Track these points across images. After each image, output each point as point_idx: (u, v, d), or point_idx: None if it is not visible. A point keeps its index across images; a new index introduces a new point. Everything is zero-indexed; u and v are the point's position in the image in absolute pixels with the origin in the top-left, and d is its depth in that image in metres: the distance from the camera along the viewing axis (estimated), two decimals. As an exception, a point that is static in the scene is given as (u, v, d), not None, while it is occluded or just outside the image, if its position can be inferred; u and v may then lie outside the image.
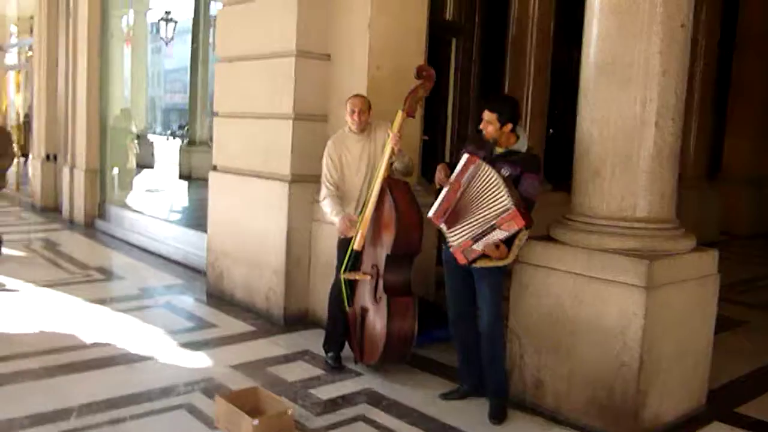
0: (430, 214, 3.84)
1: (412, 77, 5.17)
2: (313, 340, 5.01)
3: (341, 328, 4.59)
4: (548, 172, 6.32)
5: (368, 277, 4.32)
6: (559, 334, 3.84)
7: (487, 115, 3.75)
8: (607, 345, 3.63)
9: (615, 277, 3.59)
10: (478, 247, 3.61)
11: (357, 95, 4.51)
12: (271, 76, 5.46)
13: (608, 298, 3.62)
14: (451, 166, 3.82)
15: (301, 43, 5.25)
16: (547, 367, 3.91)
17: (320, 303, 5.34)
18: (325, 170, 4.50)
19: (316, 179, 5.25)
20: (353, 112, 4.40)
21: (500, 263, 3.68)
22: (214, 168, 6.21)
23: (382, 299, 4.21)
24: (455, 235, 3.70)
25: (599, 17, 3.83)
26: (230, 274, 5.97)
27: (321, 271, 5.37)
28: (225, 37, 6.06)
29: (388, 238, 4.19)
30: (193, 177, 14.62)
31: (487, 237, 3.58)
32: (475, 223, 3.61)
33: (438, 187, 3.85)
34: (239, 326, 5.33)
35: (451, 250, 3.74)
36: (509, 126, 3.74)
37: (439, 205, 3.80)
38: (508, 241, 3.62)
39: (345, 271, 4.38)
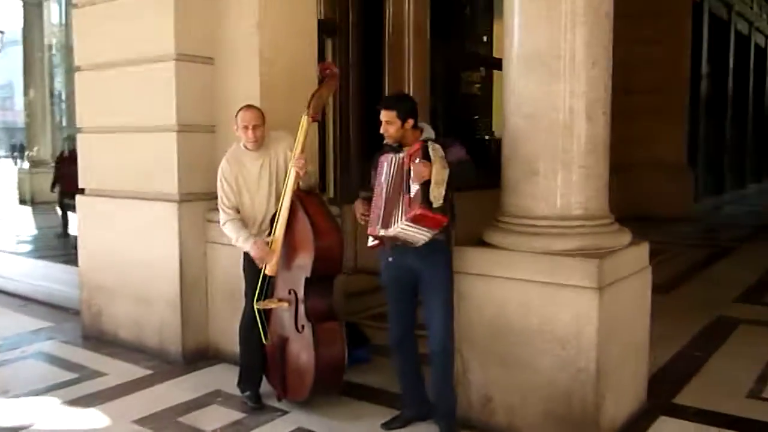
0: (370, 241, 3.50)
1: (305, 79, 4.83)
2: (223, 377, 4.48)
3: (257, 363, 4.09)
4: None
5: (286, 305, 3.86)
6: (507, 346, 3.58)
7: (385, 114, 3.45)
8: (561, 352, 3.42)
9: (565, 280, 3.39)
10: (413, 189, 3.25)
11: (249, 107, 3.98)
12: (148, 84, 4.83)
13: (559, 303, 3.41)
14: (367, 198, 3.58)
15: (181, 45, 4.67)
16: (495, 382, 3.65)
17: (223, 333, 4.81)
18: (221, 194, 3.99)
19: (207, 197, 4.76)
20: (246, 128, 3.89)
21: (438, 174, 3.19)
22: (82, 191, 5.46)
23: (305, 327, 3.77)
24: (395, 222, 3.34)
25: (520, 7, 3.63)
26: (111, 311, 5.25)
27: (221, 297, 4.83)
28: (85, 42, 5.33)
29: (305, 260, 3.76)
30: (36, 201, 13.23)
31: (411, 179, 3.26)
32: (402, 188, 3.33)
33: (363, 222, 3.55)
34: (132, 370, 4.66)
35: (403, 222, 3.28)
36: (410, 122, 3.46)
37: (370, 217, 3.46)
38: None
39: (258, 299, 3.90)
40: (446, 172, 3.22)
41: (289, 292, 3.84)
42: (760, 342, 5.18)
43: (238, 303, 4.63)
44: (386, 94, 7.37)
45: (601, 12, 3.56)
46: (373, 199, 3.48)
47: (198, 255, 4.83)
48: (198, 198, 4.82)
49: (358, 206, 3.58)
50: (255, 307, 3.90)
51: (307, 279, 3.74)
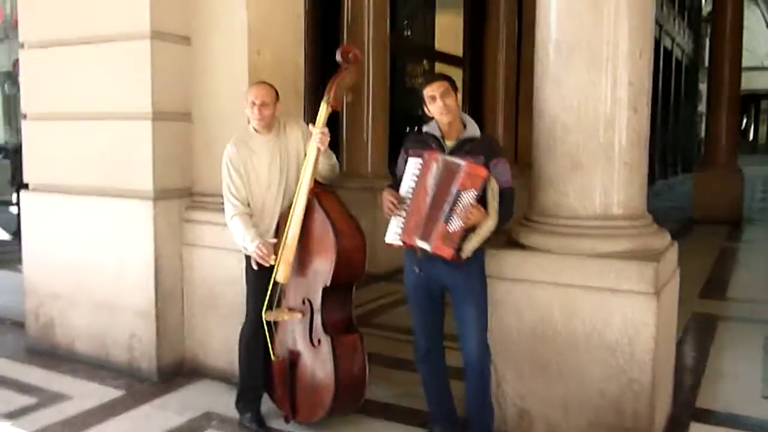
0: (392, 237, 3.15)
1: (294, 65, 4.43)
2: (210, 397, 4.02)
3: (259, 381, 3.65)
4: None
5: (299, 315, 3.44)
6: (549, 354, 3.33)
7: (440, 86, 3.10)
8: (611, 360, 3.20)
9: (617, 284, 3.16)
10: (455, 224, 2.96)
11: (260, 83, 3.55)
12: (115, 65, 4.24)
13: (610, 308, 3.18)
14: (394, 186, 3.23)
15: (156, 21, 4.11)
16: (533, 394, 3.38)
17: (202, 346, 4.34)
18: (228, 182, 3.52)
19: (183, 193, 4.27)
20: (254, 104, 3.45)
21: (484, 230, 3.01)
22: (26, 187, 4.78)
23: (322, 341, 3.37)
24: (431, 239, 3.02)
25: (560, -8, 3.36)
26: (66, 323, 4.63)
27: (200, 305, 4.33)
28: (33, 14, 4.62)
29: (324, 265, 3.35)
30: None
31: (457, 209, 2.95)
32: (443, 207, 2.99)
33: (387, 216, 3.19)
34: (100, 392, 4.08)
35: (431, 250, 3.02)
36: (459, 99, 3.17)
37: (407, 221, 3.11)
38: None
39: (267, 310, 3.46)
40: (493, 227, 3.02)
41: (303, 302, 3.42)
42: (744, 339, 5.18)
43: (221, 311, 4.22)
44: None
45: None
46: (413, 201, 3.11)
47: (174, 259, 4.30)
48: (174, 195, 4.30)
49: (388, 196, 3.17)
50: (264, 318, 3.45)
51: (325, 287, 3.33)
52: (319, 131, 3.34)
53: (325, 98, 3.41)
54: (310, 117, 4.28)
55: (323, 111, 3.39)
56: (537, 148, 3.50)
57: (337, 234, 3.30)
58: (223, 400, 3.94)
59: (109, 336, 4.43)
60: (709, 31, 18.25)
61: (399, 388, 4.04)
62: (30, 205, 4.74)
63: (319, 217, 3.35)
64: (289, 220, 3.36)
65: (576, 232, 3.30)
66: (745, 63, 12.25)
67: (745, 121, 36.23)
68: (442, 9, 10.63)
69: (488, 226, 3.02)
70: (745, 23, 12.21)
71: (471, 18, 10.69)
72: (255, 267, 3.44)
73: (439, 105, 3.10)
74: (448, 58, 10.54)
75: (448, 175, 2.99)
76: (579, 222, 3.32)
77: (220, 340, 4.25)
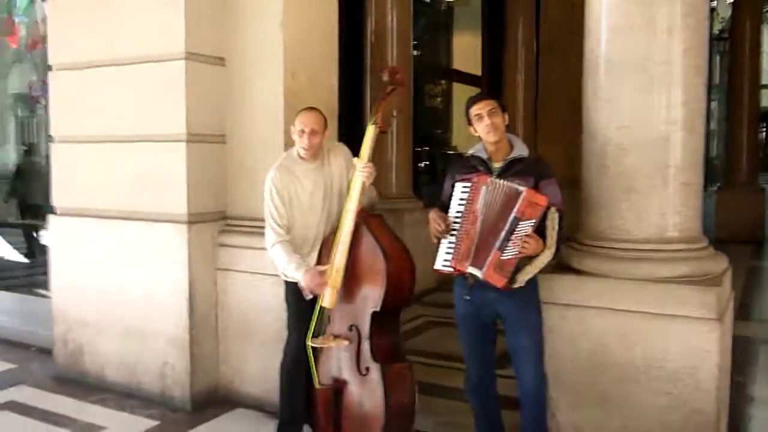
0: (442, 264, 3.03)
1: (327, 87, 4.36)
2: (246, 426, 3.92)
3: (302, 411, 3.53)
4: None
5: (346, 342, 3.32)
6: (605, 384, 3.20)
7: (487, 104, 3.03)
8: (672, 390, 3.07)
9: (677, 310, 3.04)
10: (510, 253, 2.85)
11: (310, 109, 3.45)
12: (148, 87, 4.18)
13: (669, 336, 3.06)
14: (442, 207, 3.11)
15: (191, 42, 4.05)
16: (589, 424, 3.25)
17: (237, 374, 4.23)
18: (271, 208, 3.42)
19: (216, 217, 4.18)
20: (303, 132, 3.36)
21: (541, 260, 2.91)
22: (54, 212, 4.70)
23: (371, 369, 3.24)
24: (485, 265, 2.91)
25: (611, 8, 3.28)
26: (95, 350, 4.52)
27: (234, 332, 4.22)
28: (65, 36, 4.57)
29: (373, 290, 3.23)
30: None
31: (514, 237, 2.83)
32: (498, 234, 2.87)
33: (434, 239, 3.08)
34: (133, 422, 3.98)
35: (483, 278, 2.92)
36: (507, 119, 3.08)
37: (456, 246, 3.00)
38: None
39: (312, 336, 3.35)
40: (550, 258, 2.92)
41: (350, 328, 3.30)
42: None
43: (257, 338, 4.11)
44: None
45: (700, 16, 3.25)
46: (463, 225, 3.00)
47: (208, 284, 4.20)
48: (207, 219, 4.21)
49: (435, 218, 3.06)
50: (309, 345, 3.34)
51: (375, 313, 3.22)
52: (364, 165, 3.24)
53: (372, 120, 3.32)
54: (343, 138, 4.24)
55: (370, 132, 3.30)
56: (588, 169, 3.39)
57: (387, 258, 3.19)
58: (260, 430, 3.82)
59: (140, 363, 4.33)
60: (719, 49, 18.26)
61: (439, 417, 3.91)
62: (58, 230, 4.66)
63: (368, 240, 3.25)
64: (336, 244, 3.25)
65: (632, 256, 3.18)
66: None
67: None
68: (459, 29, 10.61)
69: (545, 257, 2.92)
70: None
71: (489, 38, 10.64)
72: (308, 296, 3.32)
73: (486, 123, 3.01)
74: (467, 78, 10.49)
75: (506, 201, 2.87)
76: (635, 246, 3.20)
77: (255, 367, 4.14)
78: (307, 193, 3.41)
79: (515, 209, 2.82)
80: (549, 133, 10.46)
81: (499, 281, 2.88)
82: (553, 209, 2.89)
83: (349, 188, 3.34)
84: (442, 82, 10.38)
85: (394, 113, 3.46)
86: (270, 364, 4.05)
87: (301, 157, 3.44)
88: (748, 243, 10.69)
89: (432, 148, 10.05)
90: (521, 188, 2.84)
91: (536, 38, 10.64)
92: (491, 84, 10.69)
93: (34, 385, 4.55)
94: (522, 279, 2.92)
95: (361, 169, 3.24)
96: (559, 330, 3.27)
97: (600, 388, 3.21)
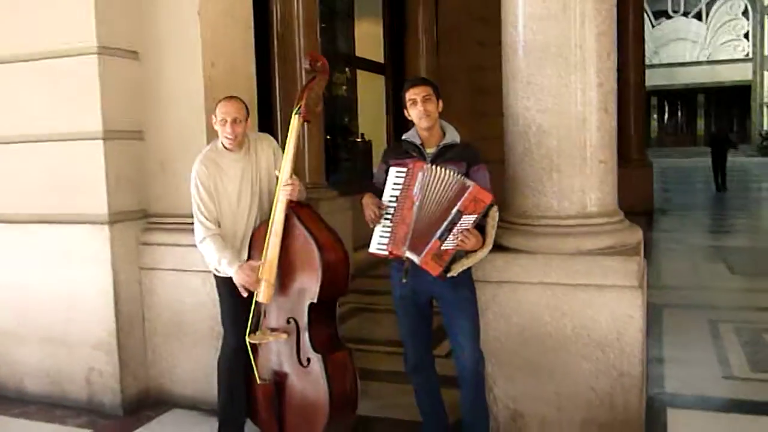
0: (377, 247, 3.08)
1: (245, 76, 4.32)
2: (183, 427, 3.87)
3: (242, 407, 3.51)
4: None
5: (285, 336, 3.32)
6: (539, 355, 3.36)
7: (422, 90, 3.10)
8: (601, 356, 3.27)
9: (603, 281, 3.23)
10: (449, 244, 2.95)
11: (230, 97, 3.38)
12: (58, 82, 3.98)
13: (597, 305, 3.25)
14: (376, 193, 3.16)
15: (104, 35, 3.89)
16: (525, 395, 3.41)
17: (166, 374, 4.16)
18: (198, 202, 3.35)
19: (137, 215, 4.08)
20: (225, 121, 3.30)
21: (478, 256, 3.03)
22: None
23: (312, 360, 3.26)
24: (423, 252, 2.99)
25: (526, -4, 3.41)
26: (12, 360, 4.30)
27: (163, 331, 4.13)
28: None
29: (309, 282, 3.24)
30: None
31: (455, 229, 2.94)
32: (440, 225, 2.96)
33: (371, 224, 3.13)
34: (65, 432, 3.83)
35: (419, 263, 2.99)
36: (441, 106, 3.17)
37: (393, 231, 3.05)
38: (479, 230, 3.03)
39: (251, 332, 3.33)
40: (486, 254, 3.05)
41: (288, 321, 3.30)
42: (691, 325, 5.41)
43: (188, 337, 4.05)
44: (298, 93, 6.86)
45: (611, 3, 3.44)
46: (398, 211, 3.06)
47: (133, 285, 4.08)
48: (129, 217, 4.09)
49: (370, 203, 3.10)
50: (248, 341, 3.31)
51: (312, 305, 3.23)
52: (289, 184, 3.21)
53: (295, 109, 3.30)
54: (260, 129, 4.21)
55: (294, 122, 3.29)
56: (511, 150, 3.53)
57: (321, 248, 3.20)
58: (199, 429, 3.79)
59: (63, 371, 4.16)
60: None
61: (379, 400, 3.99)
62: (-37, 237, 4.38)
63: (300, 232, 3.25)
64: (267, 238, 3.23)
65: (558, 232, 3.35)
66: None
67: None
68: (360, 16, 10.64)
69: (482, 253, 3.04)
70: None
71: (390, 25, 10.75)
72: (244, 294, 3.28)
73: (420, 109, 3.08)
74: (371, 65, 10.55)
75: (450, 192, 2.94)
76: (560, 221, 3.37)
77: (187, 367, 4.07)
78: (235, 184, 3.36)
79: (460, 203, 2.91)
80: (452, 117, 10.62)
81: (435, 269, 2.96)
82: (495, 207, 2.99)
83: (277, 182, 3.32)
84: (346, 70, 10.38)
85: (319, 103, 3.44)
86: (203, 362, 4.01)
87: (225, 148, 3.38)
88: (641, 215, 11.37)
89: (338, 137, 10.06)
90: (469, 183, 2.93)
91: (435, 24, 10.86)
92: (394, 71, 10.82)
93: (-56, 404, 4.29)
94: (456, 269, 3.01)
95: (283, 188, 3.21)
96: (492, 307, 3.40)
97: (533, 359, 3.37)
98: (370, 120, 10.57)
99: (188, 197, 3.93)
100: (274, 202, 3.27)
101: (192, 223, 3.92)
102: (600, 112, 3.39)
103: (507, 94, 3.55)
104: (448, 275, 3.00)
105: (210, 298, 3.93)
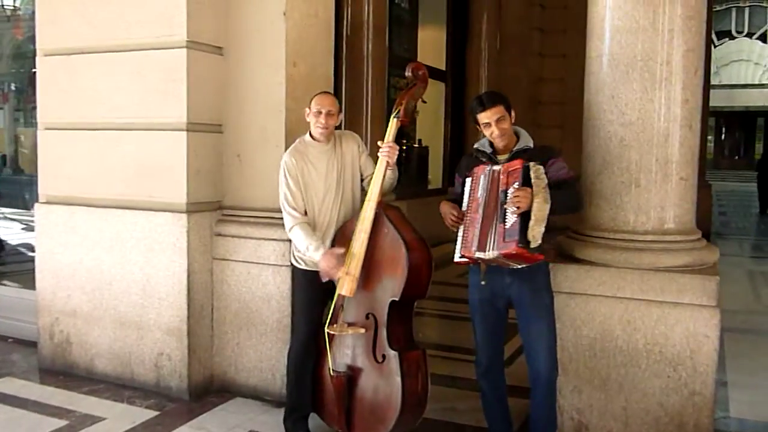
0: (459, 257, 3.10)
1: (323, 76, 4.40)
2: (247, 415, 3.93)
3: (309, 398, 3.58)
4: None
5: (363, 330, 3.38)
6: (607, 368, 3.35)
7: (495, 111, 3.08)
8: (672, 373, 3.24)
9: (678, 298, 3.21)
10: (510, 219, 2.92)
11: (324, 93, 3.55)
12: (146, 74, 4.13)
13: (670, 322, 3.23)
14: (458, 197, 3.22)
15: (192, 30, 4.02)
16: (591, 407, 3.40)
17: (232, 363, 4.26)
18: (285, 192, 3.45)
19: (213, 206, 4.19)
20: (320, 113, 3.42)
21: (537, 209, 2.89)
22: (41, 200, 4.60)
23: (388, 357, 3.30)
24: (490, 247, 2.99)
25: (616, 9, 3.41)
26: (84, 340, 4.45)
27: (230, 321, 4.23)
28: (55, 21, 4.45)
29: (393, 280, 3.28)
30: None
31: (507, 205, 2.93)
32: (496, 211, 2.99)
33: (453, 229, 3.16)
34: (131, 412, 3.94)
35: (499, 252, 2.93)
36: (513, 117, 3.19)
37: (464, 236, 3.08)
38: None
39: (329, 323, 3.40)
40: (548, 207, 2.92)
41: (367, 316, 3.36)
42: (753, 350, 5.32)
43: (254, 329, 4.14)
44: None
45: (697, 20, 3.41)
46: (468, 214, 3.09)
47: (205, 274, 4.19)
48: (205, 208, 4.20)
49: (448, 208, 3.16)
50: (327, 331, 3.38)
51: (393, 302, 3.28)
52: (387, 145, 3.31)
53: (394, 113, 3.41)
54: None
55: (392, 125, 3.39)
56: (590, 162, 3.53)
57: (409, 248, 3.25)
58: (263, 419, 3.86)
59: (133, 354, 4.28)
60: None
61: (437, 403, 3.99)
62: (45, 218, 4.55)
63: (389, 231, 3.31)
64: (356, 233, 3.30)
65: (635, 247, 3.34)
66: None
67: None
68: (424, 23, 10.69)
69: (539, 204, 2.91)
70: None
71: (453, 33, 10.78)
72: (324, 279, 3.36)
73: (495, 132, 3.11)
74: (431, 72, 10.54)
75: (493, 184, 3.02)
76: (636, 236, 3.36)
77: (253, 357, 4.16)
78: (321, 175, 3.46)
79: (500, 184, 2.97)
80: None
81: (512, 246, 2.88)
82: (532, 164, 2.95)
83: (359, 171, 3.49)
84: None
85: (417, 107, 3.53)
86: (268, 353, 4.11)
87: (315, 139, 3.48)
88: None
89: (395, 141, 10.11)
90: (498, 167, 3.01)
91: (498, 34, 10.86)
92: (455, 78, 10.85)
93: (21, 378, 4.45)
94: (534, 235, 2.89)
95: (383, 150, 3.32)
96: (562, 317, 3.40)
97: (602, 372, 3.36)
98: (429, 126, 10.60)
99: (263, 191, 4.09)
100: (366, 201, 3.35)
101: (264, 218, 4.08)
102: (684, 128, 3.38)
103: (589, 105, 3.55)
104: (532, 246, 2.89)
105: (279, 291, 4.03)
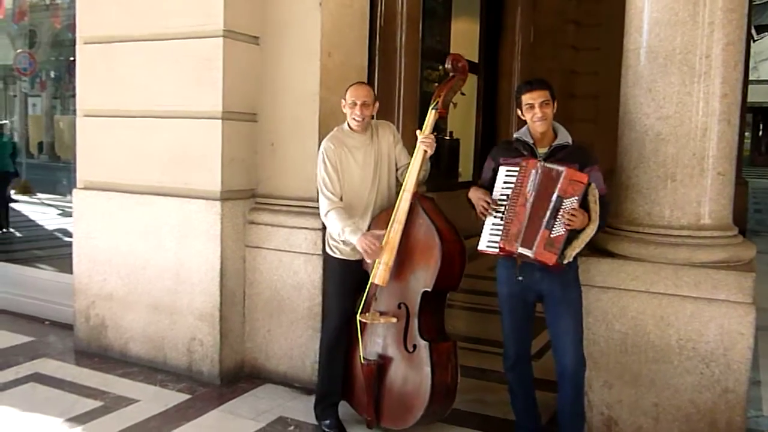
0: (487, 245, 3.12)
1: (356, 67, 4.41)
2: (277, 401, 3.97)
3: (339, 386, 3.61)
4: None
5: (395, 320, 3.40)
6: (639, 363, 3.33)
7: (541, 94, 3.09)
8: (705, 370, 3.21)
9: (714, 294, 3.17)
10: (558, 230, 2.95)
11: (359, 83, 3.59)
12: (183, 62, 4.18)
13: (704, 318, 3.19)
14: (485, 186, 3.23)
15: (230, 20, 4.06)
16: (622, 403, 3.38)
17: (262, 350, 4.32)
18: (323, 176, 3.48)
19: (247, 194, 4.23)
20: (355, 104, 3.45)
21: (588, 233, 3.00)
22: (79, 186, 4.69)
23: (419, 347, 3.33)
24: (535, 245, 3.01)
25: (653, 0, 3.37)
26: (119, 324, 4.54)
27: (261, 308, 4.28)
28: (92, 9, 4.53)
29: (425, 270, 3.30)
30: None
31: (559, 215, 2.95)
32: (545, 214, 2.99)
33: (482, 216, 3.17)
34: (164, 395, 4.01)
35: (533, 256, 3.01)
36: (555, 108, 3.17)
37: (506, 228, 3.08)
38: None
39: (363, 312, 3.43)
40: (594, 231, 3.01)
41: (399, 306, 3.38)
42: None
43: (284, 316, 4.18)
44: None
45: (739, 13, 3.35)
46: (511, 206, 3.09)
47: (237, 261, 4.24)
48: (239, 196, 4.25)
49: (480, 195, 3.16)
50: (359, 319, 3.41)
51: (425, 293, 3.30)
52: (426, 136, 3.33)
53: (432, 104, 3.42)
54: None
55: (431, 116, 3.41)
56: (626, 156, 3.49)
57: (443, 239, 3.27)
58: (292, 405, 3.91)
59: (166, 338, 4.36)
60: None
61: (465, 395, 4.00)
62: (83, 204, 4.64)
63: (423, 221, 3.32)
64: (391, 223, 3.32)
65: (670, 242, 3.30)
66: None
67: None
68: (458, 15, 10.64)
69: (591, 230, 3.02)
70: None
71: (487, 25, 10.70)
72: (369, 260, 3.38)
73: (537, 114, 3.09)
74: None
75: (547, 181, 2.99)
76: (672, 231, 3.32)
77: (284, 344, 4.20)
78: (359, 164, 3.49)
79: (558, 188, 2.94)
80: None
81: (550, 258, 2.96)
82: (593, 185, 3.00)
83: (394, 161, 3.52)
84: (440, 67, 10.40)
85: (453, 100, 3.54)
86: (299, 341, 4.15)
87: (352, 129, 3.51)
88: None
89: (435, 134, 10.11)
90: (561, 168, 2.96)
91: (532, 26, 10.77)
92: (487, 71, 10.78)
93: (57, 359, 4.55)
94: (570, 254, 3.00)
95: (422, 140, 3.34)
96: (594, 311, 3.38)
97: (633, 367, 3.34)
98: (460, 118, 10.56)
99: (295, 180, 4.12)
100: (401, 192, 3.38)
101: (297, 207, 4.12)
102: (722, 123, 3.32)
103: (626, 99, 3.51)
104: (564, 262, 2.99)
105: (310, 280, 4.07)
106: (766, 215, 16.21)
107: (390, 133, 3.58)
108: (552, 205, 2.96)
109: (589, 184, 2.98)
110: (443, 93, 3.42)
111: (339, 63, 4.20)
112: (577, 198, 2.94)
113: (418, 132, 3.39)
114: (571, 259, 3.03)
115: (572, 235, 2.99)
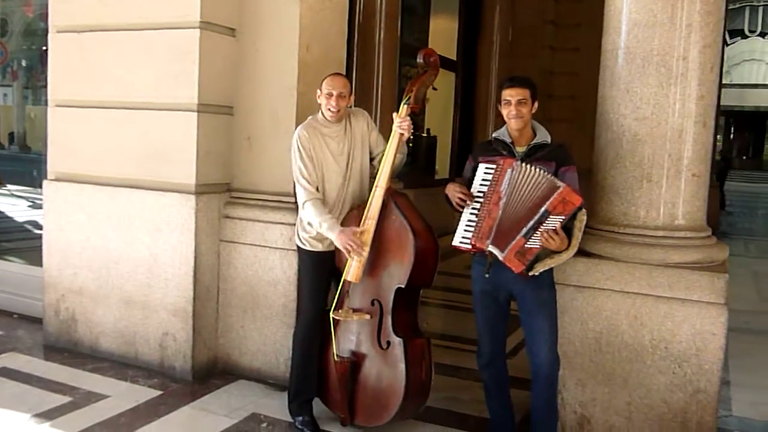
0: (460, 241, 3.12)
1: (336, 61, 4.38)
2: (250, 397, 3.93)
3: (314, 383, 3.58)
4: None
5: (368, 317, 3.38)
6: (612, 362, 3.34)
7: (519, 92, 3.09)
8: (677, 370, 3.23)
9: (686, 295, 3.20)
10: (534, 243, 2.95)
11: (336, 74, 3.54)
12: (158, 54, 4.12)
13: (677, 319, 3.22)
14: (466, 182, 3.21)
15: (207, 11, 4.01)
16: (595, 402, 3.40)
17: (236, 346, 4.27)
18: (300, 166, 3.43)
19: (222, 188, 4.19)
20: (331, 95, 3.41)
21: (563, 257, 3.03)
22: (50, 177, 4.60)
23: (393, 344, 3.31)
24: (507, 248, 3.01)
25: (632, 2, 3.38)
26: (90, 318, 4.47)
27: (236, 303, 4.23)
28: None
29: (399, 267, 3.29)
30: None
31: (541, 228, 2.94)
32: (526, 222, 2.97)
33: (458, 210, 3.17)
34: (135, 391, 3.95)
35: (502, 260, 3.01)
36: (535, 107, 3.16)
37: (477, 224, 3.08)
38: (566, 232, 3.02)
39: (335, 309, 3.40)
40: (570, 257, 3.05)
41: (372, 303, 3.36)
42: (757, 350, 5.31)
43: (259, 312, 4.15)
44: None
45: (716, 16, 3.38)
46: (484, 203, 3.09)
47: (212, 256, 4.20)
48: (214, 190, 4.20)
49: (456, 188, 3.15)
50: (332, 317, 3.39)
51: (399, 289, 3.28)
52: (402, 119, 3.32)
53: (405, 99, 3.38)
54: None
55: (403, 111, 3.37)
56: (602, 156, 3.51)
57: (416, 236, 3.26)
58: (265, 402, 3.88)
59: (137, 334, 4.30)
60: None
61: (440, 392, 4.00)
62: (54, 196, 4.55)
63: (396, 218, 3.31)
64: (363, 219, 3.30)
65: (645, 242, 3.32)
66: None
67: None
68: (436, 13, 10.63)
69: (567, 255, 3.03)
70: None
71: (465, 24, 10.72)
72: (348, 257, 3.33)
73: (512, 111, 3.10)
74: (442, 61, 10.47)
75: (539, 191, 2.96)
76: (647, 232, 3.34)
77: (258, 340, 4.17)
78: (334, 153, 3.46)
79: (548, 203, 2.92)
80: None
81: (518, 267, 2.98)
82: (583, 211, 2.99)
83: (369, 149, 3.52)
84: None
85: (427, 95, 3.51)
86: (273, 337, 4.12)
87: (326, 119, 3.48)
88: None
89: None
90: (560, 183, 2.93)
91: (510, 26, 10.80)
92: (465, 69, 10.80)
93: (25, 353, 4.47)
94: (538, 269, 3.02)
95: (399, 123, 3.31)
96: (569, 310, 3.39)
97: (607, 367, 3.36)
98: (438, 116, 10.57)
99: (272, 175, 4.08)
100: (374, 187, 3.35)
101: (273, 202, 4.07)
102: (698, 125, 3.34)
103: (603, 99, 3.52)
104: (530, 273, 3.02)
105: (285, 276, 4.04)
106: (738, 218, 16.48)
107: (364, 121, 3.56)
108: (537, 217, 2.94)
109: (579, 208, 2.96)
110: (415, 87, 3.40)
111: (317, 57, 4.16)
112: (563, 218, 2.94)
113: (394, 114, 3.36)
114: (537, 273, 3.03)
115: (546, 252, 3.00)
